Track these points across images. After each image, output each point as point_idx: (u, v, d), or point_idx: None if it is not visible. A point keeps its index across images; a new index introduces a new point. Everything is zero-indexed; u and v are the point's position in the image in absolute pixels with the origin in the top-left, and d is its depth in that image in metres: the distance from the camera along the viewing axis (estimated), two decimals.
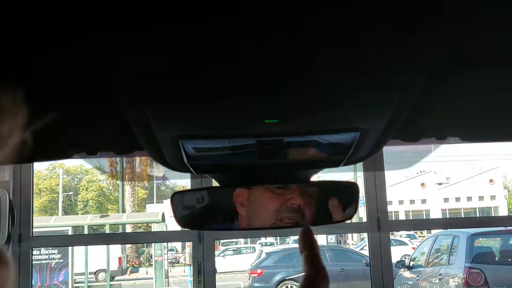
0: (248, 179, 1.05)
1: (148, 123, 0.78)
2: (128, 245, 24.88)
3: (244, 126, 0.81)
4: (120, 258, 15.56)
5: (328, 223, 1.07)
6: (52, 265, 11.86)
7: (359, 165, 4.57)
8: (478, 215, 29.82)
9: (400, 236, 21.82)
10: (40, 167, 37.88)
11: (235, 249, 22.26)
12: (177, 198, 1.09)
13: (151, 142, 0.85)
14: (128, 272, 22.73)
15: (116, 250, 15.47)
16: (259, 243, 24.36)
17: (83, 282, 13.82)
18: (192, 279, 4.40)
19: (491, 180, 34.46)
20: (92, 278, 14.00)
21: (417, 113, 0.83)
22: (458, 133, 0.95)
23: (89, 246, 13.10)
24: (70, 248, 11.93)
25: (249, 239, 26.28)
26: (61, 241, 5.46)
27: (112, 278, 16.63)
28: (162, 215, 14.83)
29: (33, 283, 3.70)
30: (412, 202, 34.99)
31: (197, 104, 0.74)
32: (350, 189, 1.05)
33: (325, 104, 0.76)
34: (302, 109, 0.76)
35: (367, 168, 3.88)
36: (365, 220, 4.07)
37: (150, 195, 37.08)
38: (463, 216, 27.21)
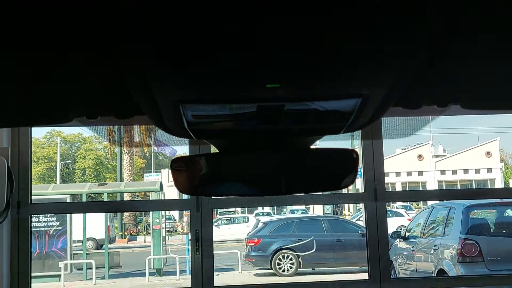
0: (247, 145, 1.05)
1: (148, 87, 0.77)
2: (126, 214, 25.08)
3: (245, 90, 0.80)
4: (108, 227, 15.68)
5: (326, 190, 1.07)
6: (51, 233, 11.95)
7: (357, 134, 4.58)
8: (474, 188, 30.04)
9: (397, 208, 22.02)
10: (38, 135, 37.90)
11: (229, 218, 22.46)
12: (177, 164, 1.09)
13: (152, 107, 0.84)
14: (126, 240, 22.97)
15: (102, 219, 15.58)
16: (256, 213, 24.57)
17: (79, 250, 13.96)
18: (190, 247, 4.44)
19: (488, 153, 34.60)
20: (80, 245, 14.13)
21: (418, 80, 0.82)
22: (459, 100, 0.95)
23: (80, 215, 13.19)
24: (68, 216, 12.02)
25: (246, 208, 26.50)
26: (60, 208, 5.49)
27: (100, 247, 16.79)
28: (160, 184, 14.91)
29: (32, 249, 3.74)
30: (409, 174, 35.19)
31: (198, 68, 0.73)
32: (349, 156, 1.05)
33: (327, 68, 0.75)
34: (303, 73, 0.75)
35: (365, 137, 3.88)
36: (362, 191, 4.09)
37: (148, 165, 37.21)
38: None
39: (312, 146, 1.06)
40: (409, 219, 14.64)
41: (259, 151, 1.05)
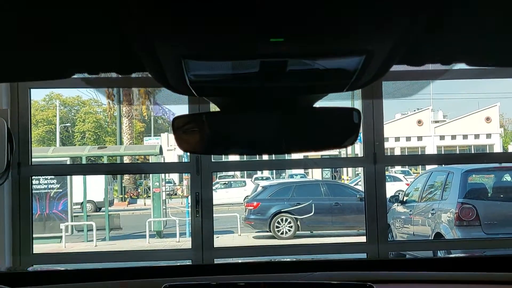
0: (249, 103, 1.04)
1: (150, 42, 0.76)
2: (126, 177, 25.22)
3: (249, 44, 0.78)
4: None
5: (329, 148, 1.07)
6: (52, 195, 12.04)
7: (357, 96, 4.55)
8: (473, 153, 30.07)
9: (395, 173, 22.14)
10: (37, 97, 37.73)
11: (226, 182, 22.60)
12: (179, 122, 1.08)
13: (153, 62, 0.83)
14: (127, 203, 23.16)
15: (101, 182, 15.68)
16: (255, 178, 24.73)
17: (79, 213, 14.09)
18: (190, 209, 4.47)
19: (487, 118, 34.57)
20: (79, 208, 14.26)
21: (423, 36, 0.81)
22: (464, 57, 0.93)
23: (80, 178, 13.25)
24: (68, 178, 12.08)
25: (245, 173, 26.65)
26: (60, 169, 5.51)
27: (99, 209, 16.95)
28: (159, 148, 14.93)
29: (33, 211, 3.76)
30: (408, 139, 35.24)
31: (200, 22, 0.72)
32: (352, 115, 1.05)
33: (332, 23, 0.74)
34: (308, 26, 0.74)
35: (366, 96, 3.85)
36: (362, 155, 4.09)
37: (147, 129, 37.21)
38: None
39: (315, 105, 1.05)
40: (407, 184, 14.73)
41: (261, 109, 1.04)
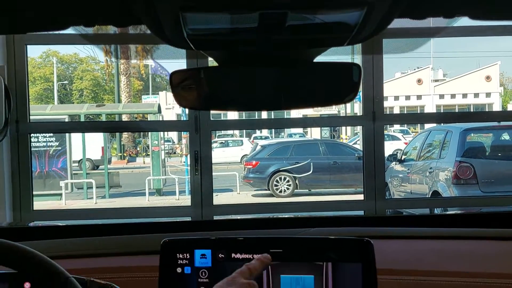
0: (247, 57, 1.02)
1: None
2: (124, 136, 25.24)
3: None
4: (102, 148, 15.83)
5: (329, 104, 1.06)
6: (51, 152, 12.08)
7: (357, 51, 4.50)
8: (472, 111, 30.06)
9: (394, 132, 22.16)
10: (33, 54, 37.36)
11: (223, 142, 22.65)
12: (176, 77, 1.07)
13: (151, 14, 0.81)
14: (126, 161, 23.27)
15: (99, 140, 15.69)
16: (254, 137, 24.77)
17: (77, 171, 14.15)
18: (189, 168, 4.49)
19: (487, 77, 34.38)
20: (76, 166, 14.33)
21: None
22: (467, 10, 0.90)
23: (79, 136, 13.24)
24: (67, 136, 12.08)
25: (244, 131, 26.68)
26: (59, 127, 5.50)
27: (97, 167, 17.03)
28: (158, 106, 14.88)
29: (32, 169, 3.77)
30: (407, 98, 35.13)
31: None
32: (352, 69, 1.03)
33: None
34: None
35: (366, 51, 3.81)
36: (361, 114, 4.08)
37: (145, 87, 36.99)
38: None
39: (315, 60, 1.04)
40: (406, 143, 14.76)
41: (260, 64, 1.02)
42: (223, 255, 1.21)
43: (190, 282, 1.21)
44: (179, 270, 1.22)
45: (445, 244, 1.57)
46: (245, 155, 20.46)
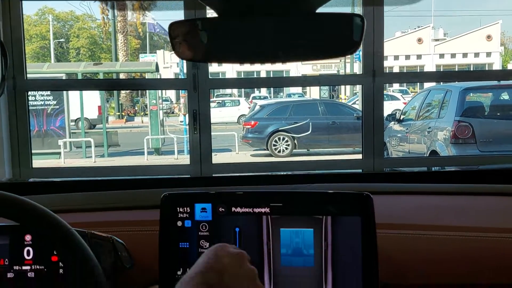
0: (247, 7, 0.99)
1: None
2: (122, 95, 25.14)
3: None
4: (99, 107, 15.71)
5: (331, 56, 1.04)
6: (49, 111, 12.03)
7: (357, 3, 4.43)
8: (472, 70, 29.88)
9: (393, 92, 22.07)
10: (29, 12, 36.80)
11: (220, 101, 22.55)
12: (175, 28, 1.04)
13: None
14: (124, 120, 23.24)
15: (96, 99, 15.59)
16: (252, 97, 24.67)
17: (74, 130, 14.12)
18: (187, 127, 4.48)
19: (488, 37, 34.03)
20: (73, 124, 14.28)
21: None
22: None
23: (76, 94, 13.12)
24: (64, 94, 12.01)
25: (243, 91, 26.57)
26: (56, 84, 5.43)
27: (93, 126, 17.00)
28: (155, 65, 14.75)
29: (30, 128, 3.76)
30: (407, 57, 34.85)
31: None
32: (355, 21, 1.00)
33: None
34: None
35: (367, 3, 3.75)
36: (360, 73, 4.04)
37: (143, 46, 36.59)
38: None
39: (317, 11, 1.01)
40: (405, 103, 14.72)
41: (260, 14, 1.00)
42: (223, 209, 1.22)
43: (191, 235, 1.22)
44: (179, 223, 1.22)
45: (444, 200, 1.59)
46: (243, 115, 20.44)
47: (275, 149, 12.72)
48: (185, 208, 1.22)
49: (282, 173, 2.64)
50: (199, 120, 4.15)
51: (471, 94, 8.19)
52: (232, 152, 13.34)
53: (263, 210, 1.20)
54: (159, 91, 14.87)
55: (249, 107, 21.78)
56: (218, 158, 11.00)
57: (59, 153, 11.97)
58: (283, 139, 12.77)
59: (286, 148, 12.73)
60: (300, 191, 1.32)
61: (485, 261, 1.24)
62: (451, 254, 1.26)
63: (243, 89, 27.22)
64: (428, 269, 1.23)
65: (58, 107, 12.07)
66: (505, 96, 8.51)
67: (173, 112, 25.00)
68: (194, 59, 1.31)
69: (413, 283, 1.20)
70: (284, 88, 25.06)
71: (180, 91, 16.52)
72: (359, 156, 4.24)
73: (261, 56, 1.04)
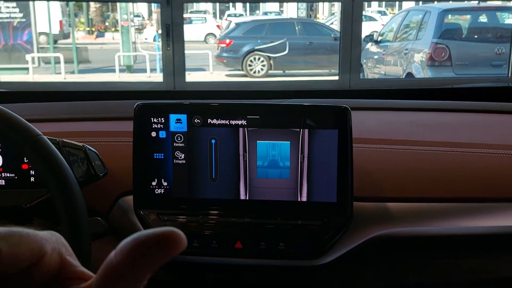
0: None
1: None
2: (92, 9, 24.21)
3: None
4: (61, 22, 14.98)
5: None
6: (15, 25, 11.51)
7: None
8: None
9: (371, 12, 21.73)
10: None
11: (185, 19, 21.85)
12: None
13: None
14: (94, 36, 22.53)
15: (56, 13, 14.88)
16: (228, 14, 24.02)
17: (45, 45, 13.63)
18: (160, 44, 4.36)
19: None
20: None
21: None
22: None
23: (44, 6, 12.52)
24: (31, 5, 11.45)
25: (218, 8, 25.85)
26: None
27: (55, 42, 16.40)
28: None
29: None
30: None
31: None
32: None
33: None
34: None
35: None
36: None
37: None
38: None
39: None
40: (383, 25, 14.56)
41: None
42: (199, 121, 1.19)
43: (165, 146, 1.20)
44: (153, 134, 1.20)
45: (419, 116, 1.59)
46: (210, 33, 19.96)
47: (251, 69, 12.55)
48: (160, 119, 1.19)
49: (259, 90, 2.61)
50: (173, 36, 4.04)
51: (450, 16, 8.10)
52: (206, 72, 13.15)
53: (239, 122, 1.18)
54: (130, 4, 14.36)
55: (217, 25, 21.25)
56: (191, 76, 10.84)
57: (27, 69, 11.60)
58: (259, 59, 12.58)
59: (262, 69, 12.57)
60: (278, 103, 1.30)
61: (459, 175, 1.26)
62: (425, 168, 1.27)
63: (218, 7, 26.52)
64: (403, 183, 1.25)
65: (24, 20, 11.55)
66: (483, 19, 8.45)
67: (145, 29, 24.29)
68: None
69: (388, 196, 1.22)
70: (261, 5, 24.47)
71: (153, 5, 15.97)
72: (336, 78, 4.23)
73: None
